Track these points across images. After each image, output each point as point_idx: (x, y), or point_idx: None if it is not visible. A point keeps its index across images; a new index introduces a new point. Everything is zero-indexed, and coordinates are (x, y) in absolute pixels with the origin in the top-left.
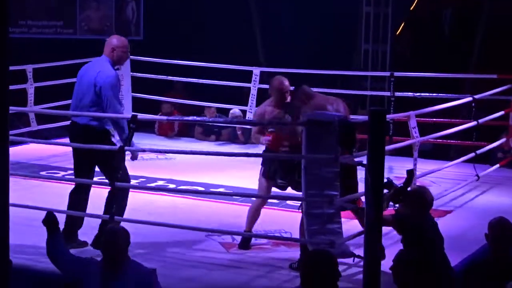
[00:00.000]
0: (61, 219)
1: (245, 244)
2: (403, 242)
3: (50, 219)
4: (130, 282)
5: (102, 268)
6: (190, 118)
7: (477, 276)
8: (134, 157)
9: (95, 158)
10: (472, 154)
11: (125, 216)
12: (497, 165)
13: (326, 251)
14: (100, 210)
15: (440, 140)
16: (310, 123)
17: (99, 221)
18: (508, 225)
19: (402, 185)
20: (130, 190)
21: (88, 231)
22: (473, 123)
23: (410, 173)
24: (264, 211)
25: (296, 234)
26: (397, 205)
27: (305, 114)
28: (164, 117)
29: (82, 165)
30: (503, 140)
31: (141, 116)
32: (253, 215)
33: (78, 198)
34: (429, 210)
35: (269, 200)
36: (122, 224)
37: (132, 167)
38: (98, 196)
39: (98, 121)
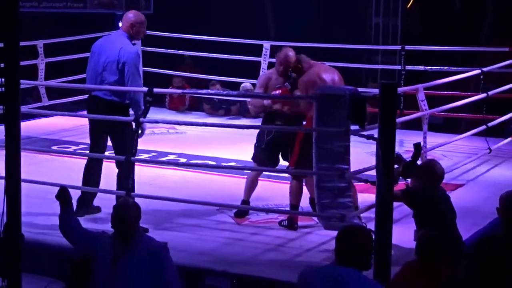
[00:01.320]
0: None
1: (242, 213)
2: (415, 217)
3: (63, 194)
4: (142, 256)
5: (114, 242)
6: (204, 91)
7: (489, 250)
8: (142, 133)
9: (112, 131)
10: (483, 127)
11: (136, 190)
12: (510, 138)
13: (362, 227)
14: (113, 185)
15: (451, 114)
16: (321, 97)
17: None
18: None
19: (410, 159)
20: (142, 164)
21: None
22: (483, 95)
23: (418, 146)
24: (274, 185)
25: (306, 208)
26: (408, 180)
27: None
28: (179, 90)
29: (99, 138)
30: None
31: (156, 89)
32: (250, 186)
33: (93, 170)
34: (440, 183)
35: (279, 174)
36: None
37: (143, 142)
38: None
39: (119, 97)
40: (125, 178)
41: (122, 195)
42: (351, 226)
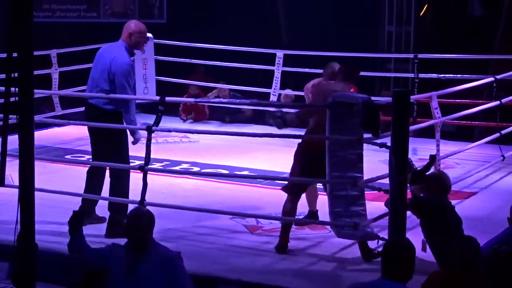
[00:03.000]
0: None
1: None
2: (422, 226)
3: (76, 221)
4: (156, 265)
5: (127, 251)
6: (217, 100)
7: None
8: (135, 141)
9: (107, 138)
10: (497, 135)
11: (148, 199)
12: None
13: (405, 240)
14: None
15: (464, 122)
16: (334, 105)
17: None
18: None
19: (421, 168)
20: (155, 173)
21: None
22: (496, 103)
23: (433, 158)
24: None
25: (321, 217)
26: (412, 187)
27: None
28: (192, 99)
29: (98, 147)
30: None
31: (169, 98)
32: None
33: (95, 179)
34: (447, 195)
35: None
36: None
37: (156, 151)
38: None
39: (114, 105)
40: (120, 186)
41: (136, 204)
42: (394, 241)
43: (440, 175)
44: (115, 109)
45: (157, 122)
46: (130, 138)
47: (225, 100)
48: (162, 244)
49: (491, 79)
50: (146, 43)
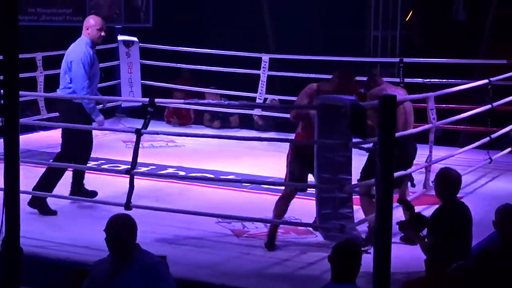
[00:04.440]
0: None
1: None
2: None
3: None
4: (139, 274)
5: (109, 259)
6: (205, 101)
7: (486, 264)
8: (100, 124)
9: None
10: (487, 139)
11: (134, 202)
12: (509, 149)
13: (350, 241)
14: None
15: (451, 126)
16: (322, 107)
17: None
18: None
19: (409, 215)
20: (141, 177)
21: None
22: (487, 107)
23: (401, 202)
24: (274, 199)
25: (307, 221)
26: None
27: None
28: (181, 100)
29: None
30: None
31: (158, 100)
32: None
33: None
34: (457, 191)
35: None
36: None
37: (142, 155)
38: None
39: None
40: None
41: (121, 206)
42: (341, 242)
43: (446, 172)
44: (79, 102)
45: (146, 125)
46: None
47: (213, 102)
48: (146, 250)
49: (485, 81)
50: (103, 36)
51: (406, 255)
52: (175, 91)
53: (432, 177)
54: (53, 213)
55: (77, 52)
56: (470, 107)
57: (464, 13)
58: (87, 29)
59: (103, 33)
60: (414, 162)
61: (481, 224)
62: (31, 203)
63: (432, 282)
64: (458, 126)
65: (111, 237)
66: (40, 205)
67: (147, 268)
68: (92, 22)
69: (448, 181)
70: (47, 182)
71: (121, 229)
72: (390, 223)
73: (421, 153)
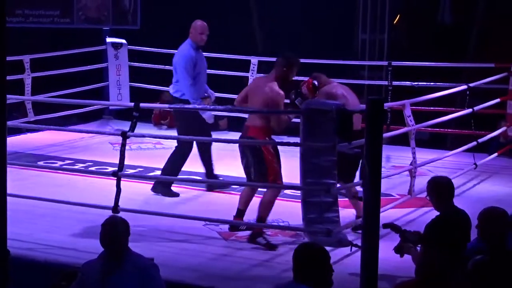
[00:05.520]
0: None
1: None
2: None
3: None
4: (131, 274)
5: (101, 261)
6: (191, 106)
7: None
8: (209, 119)
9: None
10: (474, 143)
11: (122, 205)
12: (495, 154)
13: (316, 244)
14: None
15: (437, 129)
16: (308, 111)
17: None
18: (495, 215)
19: (399, 233)
20: (128, 179)
21: None
22: (469, 111)
23: (387, 226)
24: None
25: (294, 223)
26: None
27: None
28: (166, 105)
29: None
30: (503, 129)
31: (143, 104)
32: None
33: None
34: (452, 198)
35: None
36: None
37: (130, 157)
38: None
39: (178, 93)
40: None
41: (109, 209)
42: (305, 243)
43: (435, 181)
44: (181, 97)
45: (132, 128)
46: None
47: (199, 107)
48: (136, 252)
49: (464, 87)
50: (204, 38)
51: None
52: (163, 93)
53: (416, 182)
54: (176, 195)
55: (181, 54)
56: (455, 110)
57: (452, 16)
58: (191, 32)
59: (204, 37)
60: (395, 165)
61: None
62: (154, 189)
63: (424, 285)
64: (441, 130)
65: (106, 240)
66: (163, 188)
67: (139, 269)
68: (195, 26)
69: (440, 189)
70: (173, 168)
71: (116, 231)
72: (378, 224)
73: (406, 156)
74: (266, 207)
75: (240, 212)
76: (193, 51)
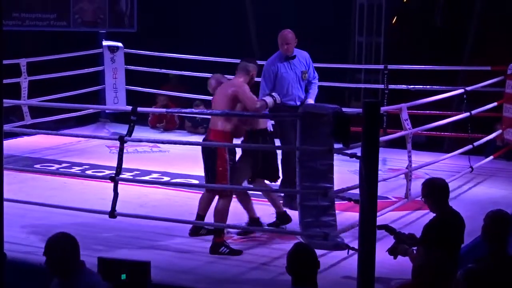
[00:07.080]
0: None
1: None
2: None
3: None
4: None
5: (51, 280)
6: (187, 110)
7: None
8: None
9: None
10: (470, 146)
11: (119, 209)
12: (491, 157)
13: (305, 245)
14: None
15: (434, 133)
16: (304, 115)
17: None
18: (500, 219)
19: (394, 235)
20: (125, 182)
21: None
22: (466, 114)
23: (381, 227)
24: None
25: (291, 227)
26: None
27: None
28: (163, 109)
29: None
30: (499, 132)
31: (140, 108)
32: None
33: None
34: (447, 198)
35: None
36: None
37: (127, 160)
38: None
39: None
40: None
41: (106, 214)
42: (295, 247)
43: (431, 182)
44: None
45: (130, 132)
46: None
47: (195, 110)
48: (91, 270)
49: (461, 90)
50: (285, 47)
51: (391, 260)
52: (159, 95)
53: (413, 185)
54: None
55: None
56: (452, 114)
57: (448, 20)
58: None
59: (286, 46)
60: (391, 167)
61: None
62: (290, 206)
63: (422, 286)
64: (438, 133)
65: (53, 260)
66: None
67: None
68: (280, 36)
69: (436, 190)
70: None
71: (63, 250)
72: (374, 227)
73: (402, 159)
74: (221, 216)
75: (200, 218)
76: (277, 60)
